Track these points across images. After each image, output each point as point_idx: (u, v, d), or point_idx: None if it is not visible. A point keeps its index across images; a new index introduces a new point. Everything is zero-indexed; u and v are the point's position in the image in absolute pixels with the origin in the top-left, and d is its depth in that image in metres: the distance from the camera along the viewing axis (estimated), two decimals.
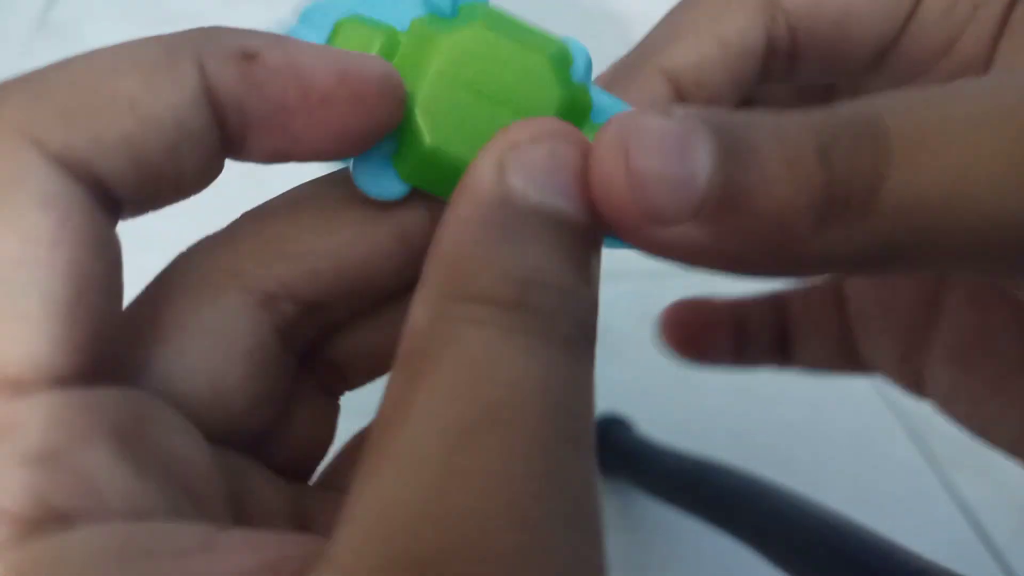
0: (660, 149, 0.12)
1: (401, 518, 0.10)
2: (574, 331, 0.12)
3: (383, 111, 0.15)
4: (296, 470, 0.18)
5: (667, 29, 0.21)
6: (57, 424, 0.11)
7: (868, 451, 0.57)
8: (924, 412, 0.60)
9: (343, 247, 0.17)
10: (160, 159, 0.14)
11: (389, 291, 0.18)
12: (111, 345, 0.13)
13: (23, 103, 0.13)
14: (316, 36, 0.16)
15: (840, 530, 0.32)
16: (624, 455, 0.51)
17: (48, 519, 0.10)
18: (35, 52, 0.92)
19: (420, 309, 0.12)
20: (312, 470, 0.19)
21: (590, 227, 0.13)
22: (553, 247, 0.12)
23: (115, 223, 0.15)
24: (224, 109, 0.15)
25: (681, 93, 0.19)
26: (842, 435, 0.58)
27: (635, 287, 0.68)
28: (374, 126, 0.15)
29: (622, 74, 0.20)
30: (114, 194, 0.14)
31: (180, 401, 0.14)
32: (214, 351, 0.15)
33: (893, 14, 0.18)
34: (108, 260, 0.14)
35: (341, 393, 0.20)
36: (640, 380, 0.60)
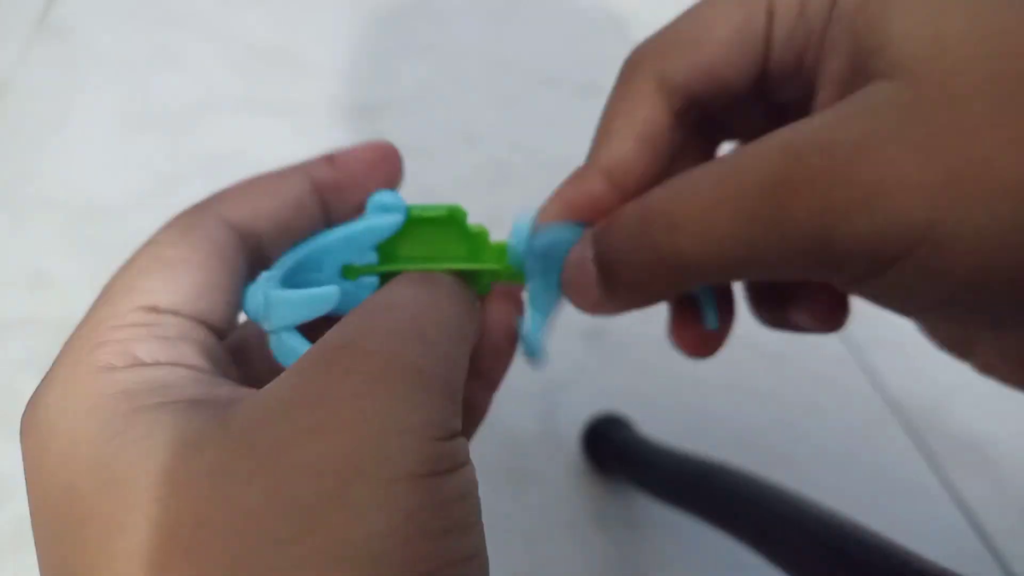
0: (577, 270, 0.24)
1: None
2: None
3: (395, 172, 0.27)
4: None
5: (599, 134, 0.27)
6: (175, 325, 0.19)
7: (868, 450, 0.57)
8: (924, 412, 0.61)
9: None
10: (290, 223, 0.23)
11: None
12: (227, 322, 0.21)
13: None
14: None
15: (840, 530, 0.32)
16: (624, 454, 0.51)
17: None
18: (35, 51, 0.92)
19: None
20: None
21: None
22: None
23: (248, 258, 0.22)
24: (321, 188, 0.24)
25: (616, 183, 0.25)
26: (842, 435, 0.58)
27: None
28: (393, 181, 0.27)
29: (574, 177, 0.27)
30: (258, 242, 0.22)
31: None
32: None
33: (751, 52, 0.22)
34: (236, 277, 0.21)
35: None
36: (640, 380, 0.60)
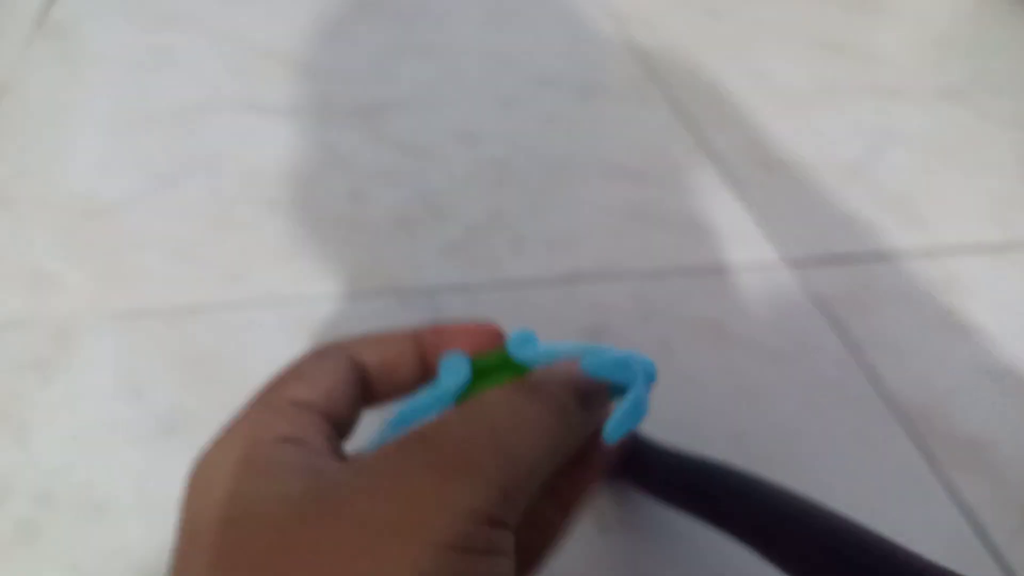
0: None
1: None
2: None
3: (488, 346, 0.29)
4: None
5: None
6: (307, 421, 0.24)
7: (867, 451, 0.57)
8: (924, 412, 0.61)
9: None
10: (393, 365, 0.28)
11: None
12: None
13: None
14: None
15: (841, 530, 0.32)
16: (625, 455, 0.51)
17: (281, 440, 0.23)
18: (35, 51, 0.92)
19: None
20: None
21: None
22: None
23: (360, 382, 0.28)
24: (422, 347, 0.28)
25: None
26: (842, 436, 0.58)
27: (634, 288, 0.68)
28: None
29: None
30: (367, 373, 0.28)
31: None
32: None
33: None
34: (352, 388, 0.27)
35: None
36: None
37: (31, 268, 0.64)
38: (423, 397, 0.27)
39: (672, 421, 0.57)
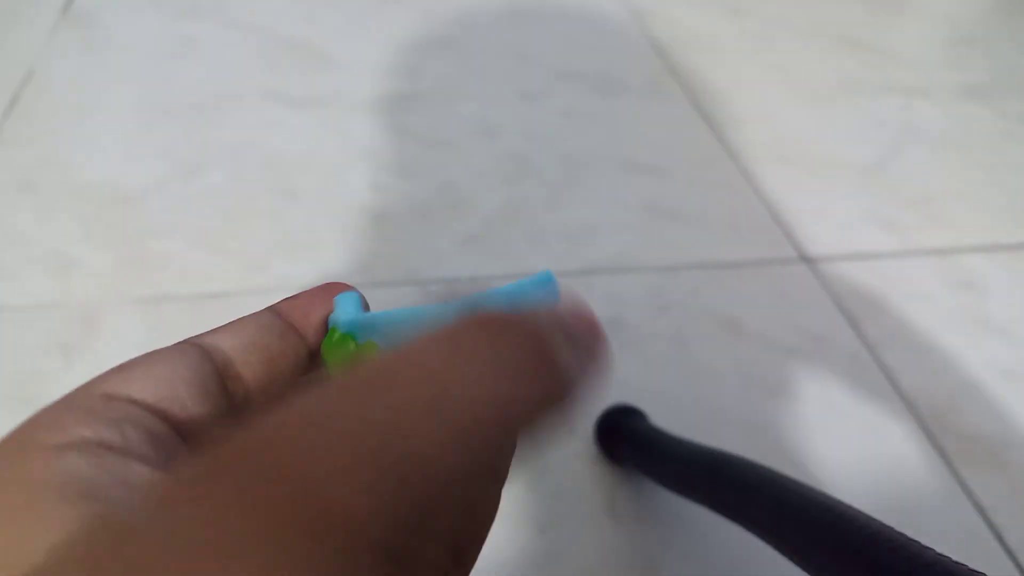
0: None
1: None
2: None
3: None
4: None
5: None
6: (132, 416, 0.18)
7: (882, 447, 0.58)
8: (938, 410, 0.61)
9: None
10: (256, 343, 0.22)
11: None
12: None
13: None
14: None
15: (852, 522, 0.32)
16: (637, 444, 0.51)
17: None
18: (60, 39, 0.93)
19: None
20: None
21: None
22: None
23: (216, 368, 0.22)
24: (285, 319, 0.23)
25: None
26: (856, 432, 0.58)
27: (649, 281, 0.68)
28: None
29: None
30: (225, 357, 0.22)
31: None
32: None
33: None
34: (199, 374, 0.21)
35: None
36: (653, 372, 0.60)
37: (56, 253, 0.65)
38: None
39: (687, 414, 0.57)
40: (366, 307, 0.22)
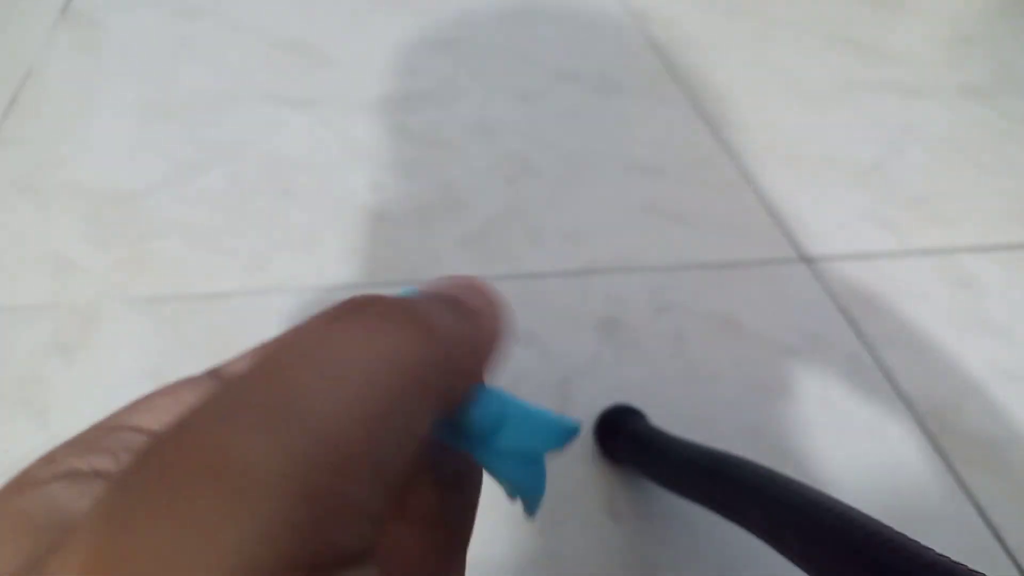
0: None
1: None
2: None
3: None
4: None
5: None
6: None
7: (882, 448, 0.58)
8: (938, 411, 0.61)
9: None
10: None
11: None
12: None
13: None
14: None
15: (852, 522, 0.32)
16: (637, 444, 0.51)
17: None
18: (59, 39, 0.93)
19: None
20: None
21: None
22: None
23: None
24: None
25: None
26: (856, 432, 0.58)
27: (649, 281, 0.68)
28: None
29: None
30: None
31: None
32: None
33: None
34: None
35: None
36: (653, 372, 0.60)
37: (55, 254, 0.65)
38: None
39: (686, 414, 0.57)
40: None
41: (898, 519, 0.33)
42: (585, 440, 0.55)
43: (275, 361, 0.13)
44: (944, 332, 0.67)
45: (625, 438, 0.52)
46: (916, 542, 0.30)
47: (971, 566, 0.28)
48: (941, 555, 0.28)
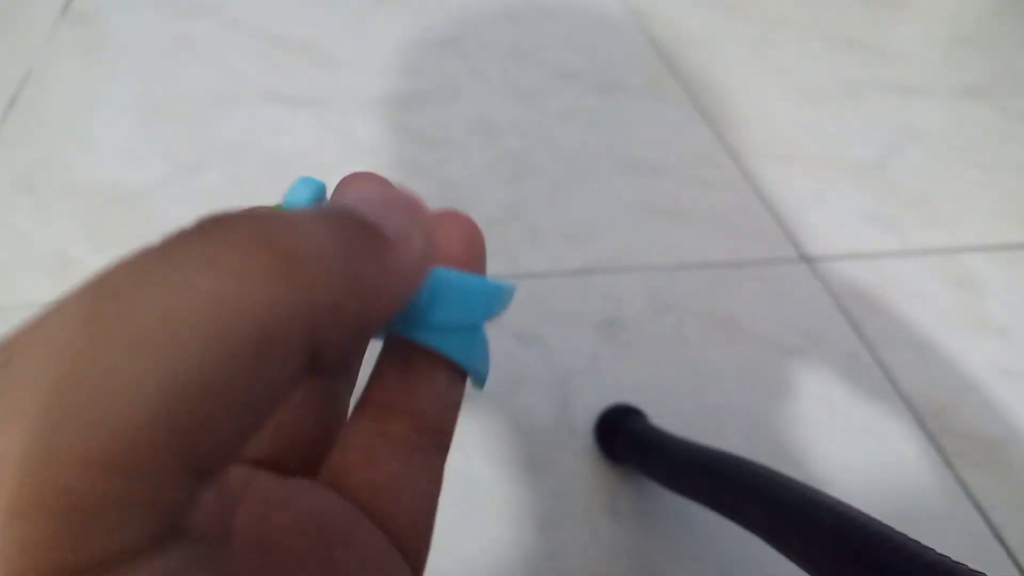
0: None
1: None
2: None
3: None
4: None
5: None
6: None
7: (882, 447, 0.58)
8: (939, 410, 0.61)
9: None
10: None
11: None
12: None
13: None
14: None
15: (852, 522, 0.32)
16: (637, 443, 0.51)
17: None
18: (59, 39, 0.93)
19: None
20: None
21: None
22: None
23: None
24: None
25: None
26: (856, 431, 0.58)
27: (650, 281, 0.68)
28: None
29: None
30: None
31: None
32: None
33: None
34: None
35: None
36: (653, 371, 0.60)
37: (55, 254, 0.65)
38: None
39: (686, 413, 0.57)
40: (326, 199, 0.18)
41: (898, 519, 0.33)
42: (585, 439, 0.55)
43: (59, 327, 0.10)
44: (944, 332, 0.67)
45: (625, 438, 0.52)
46: (916, 542, 0.30)
47: (971, 566, 0.28)
48: (941, 555, 0.28)
